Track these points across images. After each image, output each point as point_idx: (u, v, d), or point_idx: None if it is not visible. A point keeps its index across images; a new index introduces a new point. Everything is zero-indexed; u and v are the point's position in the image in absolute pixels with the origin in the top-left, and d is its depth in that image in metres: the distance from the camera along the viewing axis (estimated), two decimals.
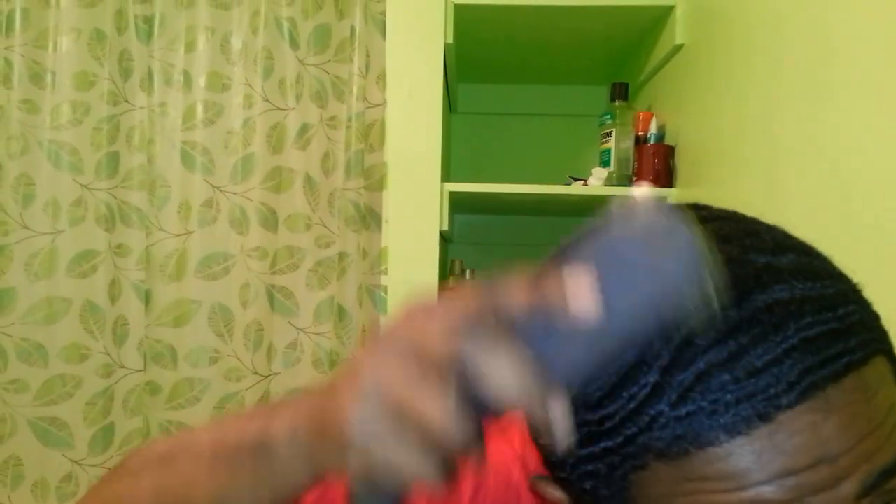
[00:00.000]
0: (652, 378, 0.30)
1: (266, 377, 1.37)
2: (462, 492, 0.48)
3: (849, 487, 0.29)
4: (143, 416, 1.36)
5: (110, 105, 1.34)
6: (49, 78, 1.32)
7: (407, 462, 0.28)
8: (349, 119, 1.38)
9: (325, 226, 1.39)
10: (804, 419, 0.29)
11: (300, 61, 1.38)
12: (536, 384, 0.28)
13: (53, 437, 1.33)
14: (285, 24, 1.37)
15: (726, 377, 0.29)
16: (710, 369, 0.29)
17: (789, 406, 0.29)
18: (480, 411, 0.29)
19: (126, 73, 1.36)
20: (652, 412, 0.30)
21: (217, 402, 1.34)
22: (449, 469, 0.29)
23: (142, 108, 1.36)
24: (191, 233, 1.35)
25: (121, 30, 1.35)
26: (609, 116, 1.50)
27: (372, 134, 1.39)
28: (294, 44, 1.38)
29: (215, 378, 1.34)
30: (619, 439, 0.32)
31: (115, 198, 1.35)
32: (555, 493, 0.38)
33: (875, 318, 0.33)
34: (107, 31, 1.34)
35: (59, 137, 1.32)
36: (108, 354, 1.34)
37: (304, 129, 1.38)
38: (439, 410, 0.27)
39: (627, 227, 0.28)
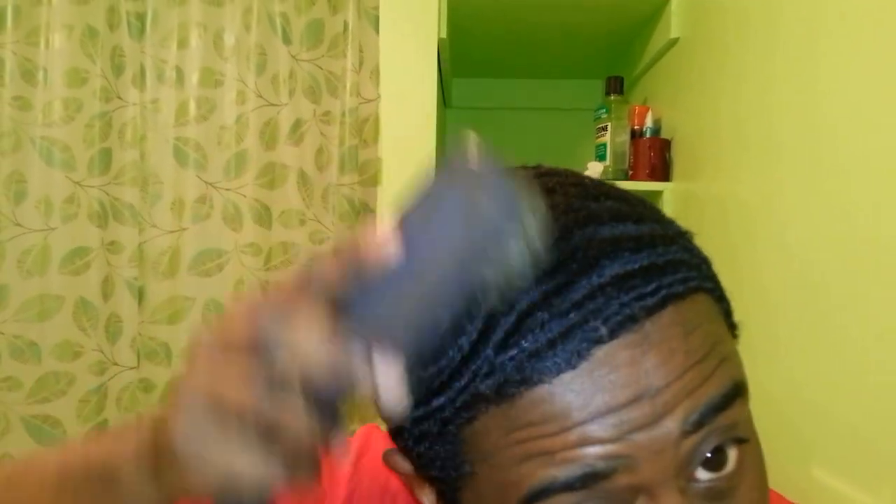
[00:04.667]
0: (478, 325, 0.30)
1: None
2: (335, 497, 0.45)
3: (671, 423, 0.29)
4: (137, 414, 1.35)
5: (102, 102, 1.33)
6: (41, 75, 1.31)
7: (246, 464, 0.27)
8: (343, 114, 1.38)
9: (319, 221, 1.38)
10: (622, 354, 0.29)
11: (293, 57, 1.38)
12: (351, 348, 0.27)
13: (47, 435, 1.32)
14: (278, 20, 1.37)
15: (545, 316, 0.29)
16: (530, 309, 0.29)
17: (604, 341, 0.28)
18: (322, 397, 0.27)
19: (118, 70, 1.35)
20: (478, 359, 0.30)
21: None
22: (303, 464, 0.28)
23: (134, 104, 1.35)
24: (184, 229, 1.35)
25: (113, 26, 1.35)
26: (604, 110, 1.49)
27: (366, 129, 1.38)
28: (287, 39, 1.37)
29: None
30: (450, 393, 0.31)
31: (108, 195, 1.34)
32: (403, 464, 0.37)
33: (702, 261, 0.33)
34: (99, 28, 1.33)
35: (51, 134, 1.31)
36: (102, 352, 1.33)
37: (297, 124, 1.37)
38: (250, 398, 0.27)
39: (449, 174, 0.28)
